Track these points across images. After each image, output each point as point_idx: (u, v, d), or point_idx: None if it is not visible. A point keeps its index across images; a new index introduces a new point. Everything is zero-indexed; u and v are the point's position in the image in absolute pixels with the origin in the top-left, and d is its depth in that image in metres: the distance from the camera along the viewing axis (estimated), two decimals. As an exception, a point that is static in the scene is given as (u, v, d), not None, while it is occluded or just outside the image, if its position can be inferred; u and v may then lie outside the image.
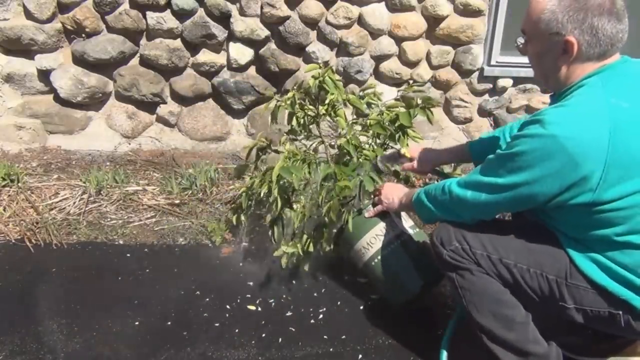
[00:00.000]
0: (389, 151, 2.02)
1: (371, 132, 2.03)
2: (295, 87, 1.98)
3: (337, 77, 1.95)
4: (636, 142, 1.20)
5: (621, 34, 1.26)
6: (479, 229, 1.45)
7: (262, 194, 1.98)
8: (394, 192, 1.80)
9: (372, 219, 1.90)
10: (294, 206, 2.00)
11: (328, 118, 2.05)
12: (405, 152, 1.94)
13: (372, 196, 1.92)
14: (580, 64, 1.29)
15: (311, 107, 2.01)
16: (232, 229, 2.44)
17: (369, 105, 2.10)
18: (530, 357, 1.45)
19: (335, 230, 2.01)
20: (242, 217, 2.21)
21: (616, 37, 1.25)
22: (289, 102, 1.97)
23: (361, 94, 2.14)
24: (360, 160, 1.93)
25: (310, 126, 2.08)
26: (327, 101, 1.93)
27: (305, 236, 2.00)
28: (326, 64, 3.35)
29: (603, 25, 1.23)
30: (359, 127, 2.10)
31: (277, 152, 2.09)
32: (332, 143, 2.10)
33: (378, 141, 2.10)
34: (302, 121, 2.03)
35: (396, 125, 2.03)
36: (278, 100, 1.98)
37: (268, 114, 1.99)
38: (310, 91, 1.95)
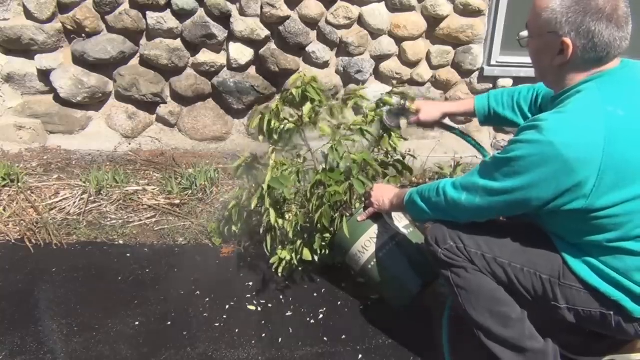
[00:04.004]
0: (395, 106, 1.94)
1: (355, 136, 2.02)
2: (278, 98, 1.99)
3: (319, 84, 1.95)
4: (630, 150, 1.21)
5: (619, 41, 1.24)
6: (474, 228, 1.46)
7: (252, 206, 1.98)
8: (384, 194, 1.79)
9: (365, 222, 1.88)
10: (286, 215, 2.00)
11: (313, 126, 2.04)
12: (411, 106, 1.88)
13: (363, 199, 1.91)
14: (576, 67, 1.29)
15: (295, 115, 2.01)
16: (228, 235, 2.43)
17: (357, 108, 2.09)
18: (527, 353, 1.45)
19: (328, 236, 2.00)
20: (234, 228, 2.21)
21: (613, 45, 1.24)
22: (272, 113, 1.97)
23: (344, 97, 2.14)
24: (348, 164, 1.92)
25: (296, 135, 2.07)
26: (307, 111, 1.94)
27: (299, 242, 2.00)
28: (327, 63, 3.36)
29: (600, 31, 1.22)
30: (343, 132, 2.08)
31: (266, 165, 2.09)
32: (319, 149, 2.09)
33: (366, 143, 2.09)
34: (286, 131, 2.03)
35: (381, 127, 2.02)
36: (262, 113, 1.98)
37: (255, 129, 1.99)
38: (293, 101, 1.95)
